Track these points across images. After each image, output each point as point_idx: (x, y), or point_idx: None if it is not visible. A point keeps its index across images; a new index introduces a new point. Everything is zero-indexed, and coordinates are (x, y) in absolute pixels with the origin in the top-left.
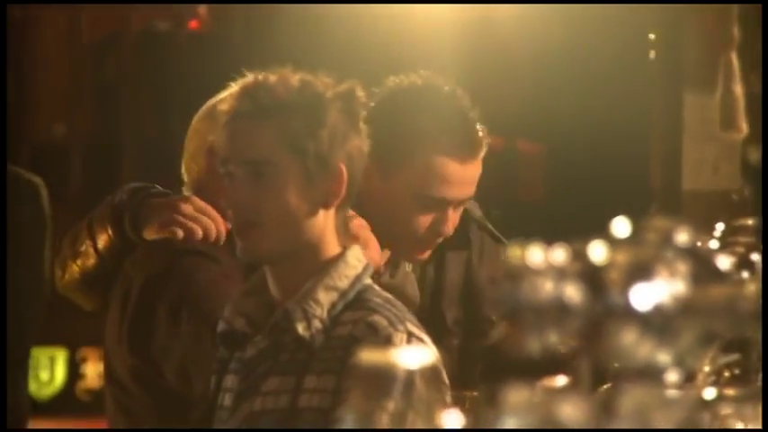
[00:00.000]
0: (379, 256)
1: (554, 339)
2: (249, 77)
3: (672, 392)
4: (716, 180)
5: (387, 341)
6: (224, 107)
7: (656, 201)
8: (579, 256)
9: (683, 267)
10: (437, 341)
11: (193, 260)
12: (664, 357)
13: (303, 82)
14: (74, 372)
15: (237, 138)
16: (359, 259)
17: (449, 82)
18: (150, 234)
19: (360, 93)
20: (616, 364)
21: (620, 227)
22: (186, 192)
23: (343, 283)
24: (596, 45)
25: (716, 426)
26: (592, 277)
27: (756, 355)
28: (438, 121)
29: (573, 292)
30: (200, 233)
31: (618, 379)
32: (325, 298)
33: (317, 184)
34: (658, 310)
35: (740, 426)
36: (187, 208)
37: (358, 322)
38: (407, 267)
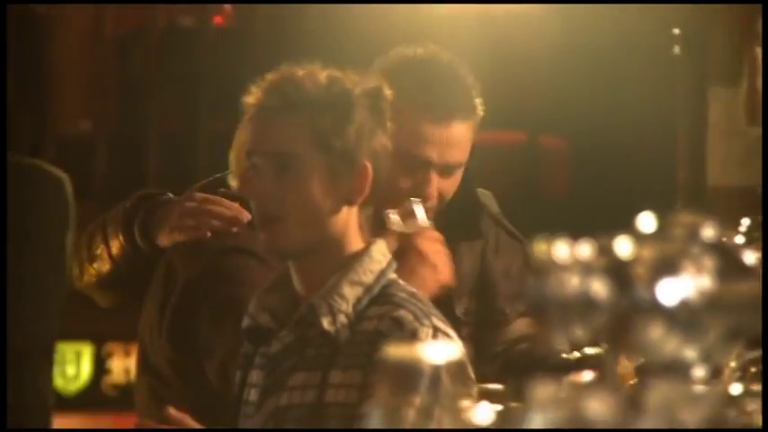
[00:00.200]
0: (450, 275)
1: (580, 335)
2: (277, 72)
3: (698, 388)
4: (741, 175)
5: (412, 336)
6: (251, 100)
7: (682, 196)
8: (605, 251)
9: (708, 263)
10: None
11: (238, 259)
12: (690, 353)
13: (331, 78)
14: (100, 367)
15: (264, 130)
16: (383, 254)
17: (450, 54)
18: (164, 241)
19: (387, 91)
20: (642, 360)
21: (646, 222)
22: (232, 182)
23: (368, 278)
24: (620, 41)
25: (742, 421)
26: (618, 273)
27: None
28: (423, 83)
29: (599, 288)
30: (213, 224)
31: (644, 374)
32: (350, 293)
33: (342, 180)
34: (684, 306)
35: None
36: (191, 205)
37: (383, 317)
38: None
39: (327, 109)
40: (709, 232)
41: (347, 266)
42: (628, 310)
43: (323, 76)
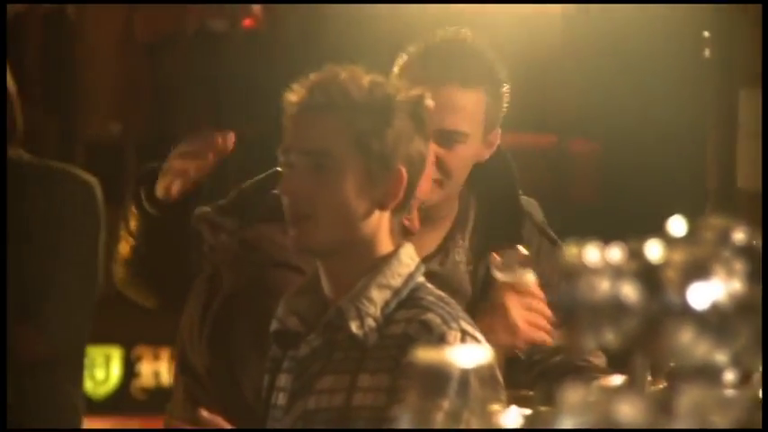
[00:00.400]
0: (530, 337)
1: (611, 338)
2: (321, 71)
3: (728, 392)
4: None
5: (441, 339)
6: (294, 98)
7: (712, 199)
8: (636, 255)
9: (739, 266)
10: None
11: (285, 274)
12: (720, 357)
13: (374, 82)
14: (129, 370)
15: (303, 128)
16: (412, 257)
17: (471, 34)
18: (163, 192)
19: (429, 101)
20: (672, 364)
21: (677, 226)
22: None
23: (397, 282)
24: (651, 44)
25: None
26: (648, 277)
27: None
28: (427, 51)
29: (629, 292)
30: (205, 163)
31: (674, 378)
32: (378, 296)
33: (376, 183)
34: (715, 310)
35: None
36: (181, 151)
37: (411, 321)
38: (457, 257)
39: (368, 112)
40: (739, 235)
41: (375, 269)
42: (658, 314)
43: (366, 79)
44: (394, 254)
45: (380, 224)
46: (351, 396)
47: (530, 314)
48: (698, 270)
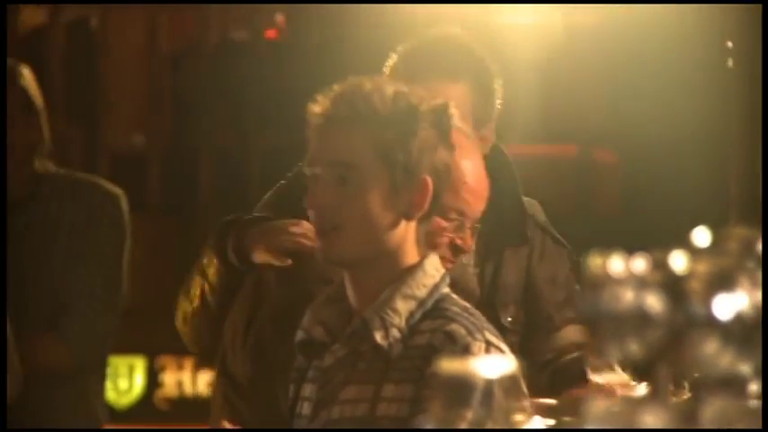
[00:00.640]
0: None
1: (635, 349)
2: (345, 83)
3: (753, 403)
4: None
5: (465, 350)
6: (318, 109)
7: (735, 210)
8: (660, 265)
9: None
10: None
11: None
12: (744, 368)
13: (398, 93)
14: (152, 380)
15: (327, 140)
16: (437, 268)
17: (462, 32)
18: (260, 258)
19: (453, 109)
20: (697, 375)
21: (701, 237)
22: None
23: (421, 292)
24: (674, 54)
25: None
26: (673, 287)
27: None
28: (410, 47)
29: (654, 302)
30: (308, 248)
31: (699, 389)
32: (403, 307)
33: (402, 194)
34: (739, 320)
35: None
36: (298, 228)
37: (436, 331)
38: (464, 259)
39: (393, 123)
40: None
41: (400, 280)
42: (682, 325)
43: (390, 90)
44: (419, 264)
45: (406, 235)
46: (375, 406)
47: None
48: (722, 281)
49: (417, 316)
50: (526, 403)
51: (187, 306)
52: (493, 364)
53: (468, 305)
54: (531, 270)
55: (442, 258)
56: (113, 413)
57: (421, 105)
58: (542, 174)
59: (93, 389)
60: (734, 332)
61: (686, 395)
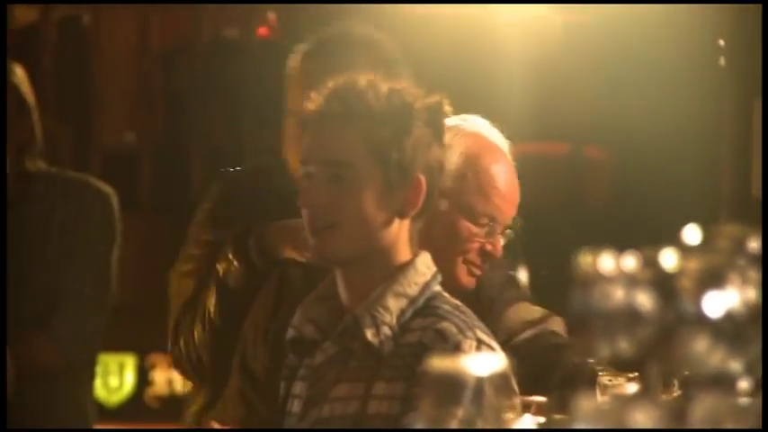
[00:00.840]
0: None
1: (625, 346)
2: (338, 79)
3: (743, 400)
4: None
5: (456, 348)
6: (311, 106)
7: (726, 208)
8: (650, 263)
9: (754, 274)
10: None
11: None
12: (735, 365)
13: (392, 90)
14: (143, 378)
15: (321, 138)
16: (428, 266)
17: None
18: (287, 253)
19: (447, 107)
20: (687, 372)
21: (691, 234)
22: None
23: (413, 290)
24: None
25: None
26: (663, 285)
27: None
28: (310, 45)
29: (644, 300)
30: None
31: (689, 387)
32: (394, 305)
33: (396, 192)
34: (730, 318)
35: None
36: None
37: (427, 329)
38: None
39: (387, 121)
40: (753, 244)
41: (391, 278)
42: (673, 323)
43: (384, 87)
44: (411, 263)
45: (399, 233)
46: (365, 404)
47: None
48: (712, 278)
49: (408, 314)
50: (517, 401)
51: (199, 328)
52: (483, 361)
53: (459, 303)
54: None
55: (472, 264)
56: (104, 411)
57: (415, 103)
58: (533, 171)
59: (83, 387)
60: (724, 330)
61: (676, 393)
